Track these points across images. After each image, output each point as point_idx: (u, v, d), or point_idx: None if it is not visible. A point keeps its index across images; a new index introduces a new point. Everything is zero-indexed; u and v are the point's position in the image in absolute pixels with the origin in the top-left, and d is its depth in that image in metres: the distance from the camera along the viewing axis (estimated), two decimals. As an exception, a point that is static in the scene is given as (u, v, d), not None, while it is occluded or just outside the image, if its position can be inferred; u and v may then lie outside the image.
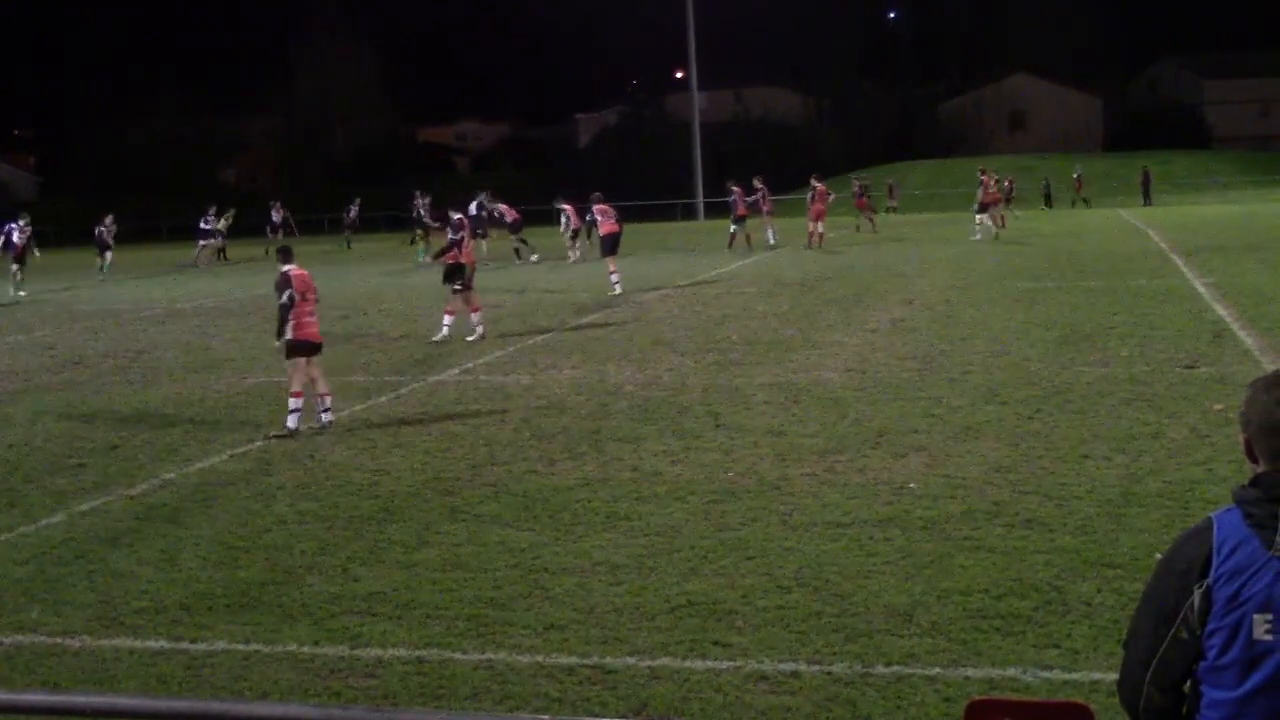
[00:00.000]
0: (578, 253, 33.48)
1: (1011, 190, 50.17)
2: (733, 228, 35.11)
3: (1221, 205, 52.19)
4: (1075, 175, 61.15)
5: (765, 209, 37.12)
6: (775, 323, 18.22)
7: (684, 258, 33.90)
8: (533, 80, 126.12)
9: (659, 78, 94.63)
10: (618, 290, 23.34)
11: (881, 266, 27.61)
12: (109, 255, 35.35)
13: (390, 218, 60.44)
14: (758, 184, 36.99)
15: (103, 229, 35.63)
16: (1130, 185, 61.54)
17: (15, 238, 31.23)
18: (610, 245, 24.61)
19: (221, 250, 42.91)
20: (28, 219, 32.40)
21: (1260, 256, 25.08)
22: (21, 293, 29.60)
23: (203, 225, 42.13)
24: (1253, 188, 64.31)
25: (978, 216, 37.23)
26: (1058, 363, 13.51)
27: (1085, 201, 58.56)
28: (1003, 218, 40.35)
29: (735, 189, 35.14)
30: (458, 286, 17.56)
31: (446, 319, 17.64)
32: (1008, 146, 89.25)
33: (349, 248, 47.02)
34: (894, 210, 61.81)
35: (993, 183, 38.38)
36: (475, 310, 17.71)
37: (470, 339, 17.31)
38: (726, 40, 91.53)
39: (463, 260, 17.67)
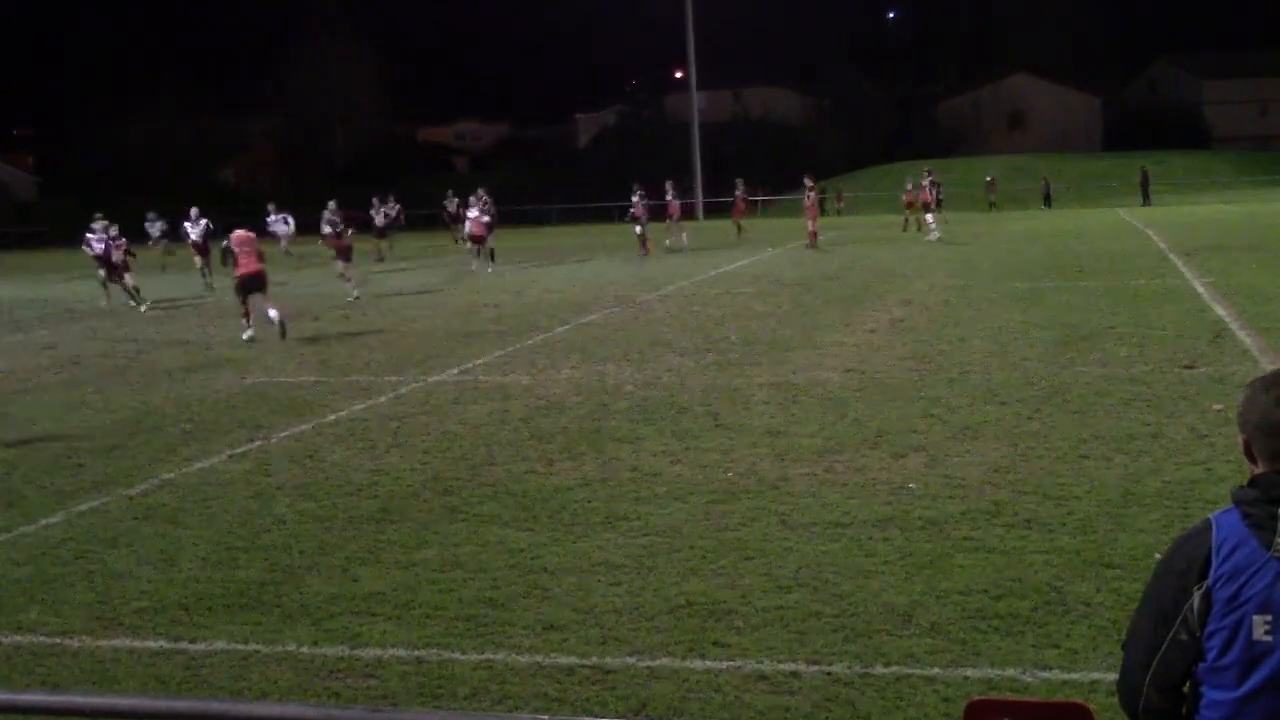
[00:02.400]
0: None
1: (939, 193, 50.75)
2: (638, 229, 35.25)
3: (1220, 205, 52.20)
4: (988, 179, 60.82)
5: (673, 213, 37.96)
6: (774, 323, 18.22)
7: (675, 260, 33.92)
8: (532, 80, 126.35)
9: (659, 78, 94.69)
10: (248, 335, 18.62)
11: (880, 267, 27.63)
12: (128, 280, 26.72)
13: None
14: (659, 189, 38.18)
15: (94, 233, 27.36)
16: (1129, 185, 61.59)
17: (197, 233, 30.81)
18: (248, 285, 18.93)
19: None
20: (156, 216, 31.67)
21: (1260, 256, 25.10)
22: (208, 297, 26.59)
23: (325, 228, 43.23)
24: (1251, 188, 64.36)
25: (928, 217, 37.71)
26: (1057, 363, 13.52)
27: (993, 205, 58.91)
28: (908, 220, 41.63)
29: (640, 193, 35.36)
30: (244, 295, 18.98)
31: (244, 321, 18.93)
32: (1007, 146, 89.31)
33: (456, 242, 47.07)
34: (840, 212, 63.03)
35: (928, 184, 38.97)
36: (273, 310, 18.86)
37: (246, 337, 18.60)
38: (726, 40, 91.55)
39: (240, 272, 19.01)
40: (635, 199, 35.88)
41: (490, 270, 31.19)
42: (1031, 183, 66.61)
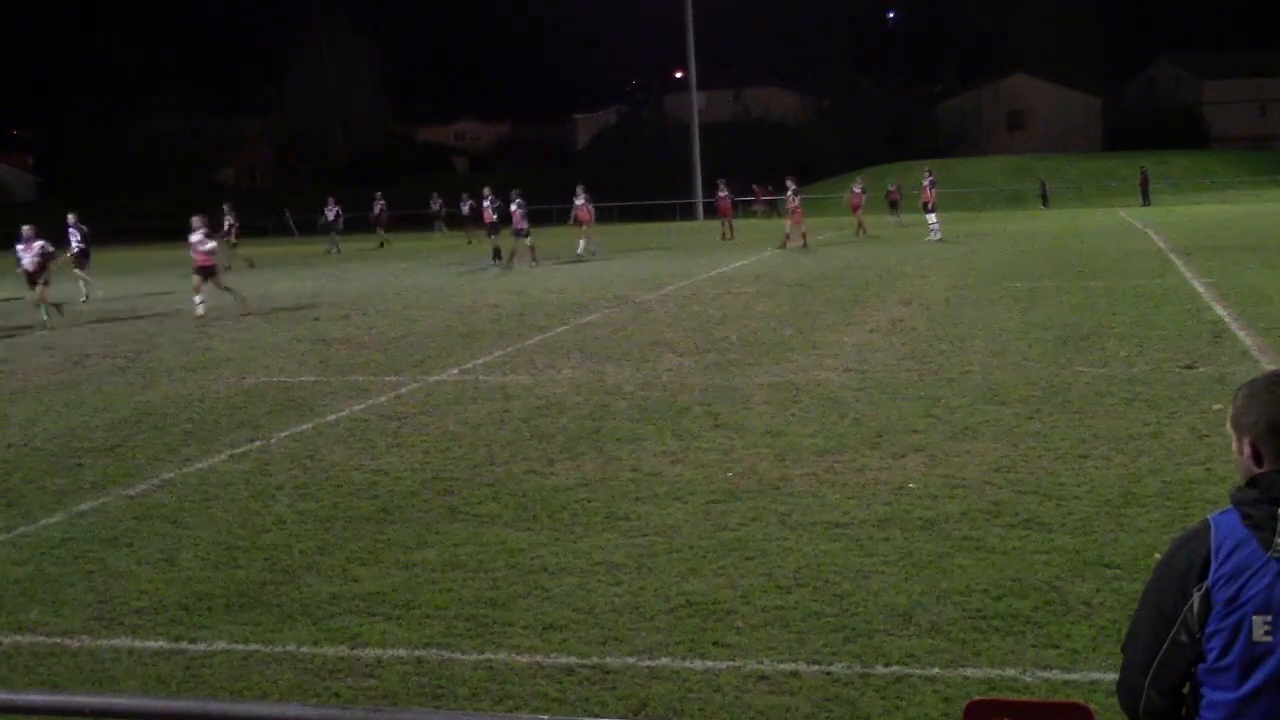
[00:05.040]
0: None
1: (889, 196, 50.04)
2: (528, 241, 32.53)
3: (1220, 205, 52.22)
4: (891, 188, 52.91)
5: (584, 219, 36.43)
6: (774, 323, 18.22)
7: (684, 258, 33.88)
8: (532, 80, 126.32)
9: (658, 78, 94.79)
10: None
11: (880, 267, 27.63)
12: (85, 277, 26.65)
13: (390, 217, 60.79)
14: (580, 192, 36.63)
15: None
16: (1129, 185, 61.61)
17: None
18: None
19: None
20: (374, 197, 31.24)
21: (1259, 256, 25.11)
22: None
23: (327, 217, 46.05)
24: (1251, 188, 64.41)
25: (930, 217, 37.58)
26: (1057, 363, 13.52)
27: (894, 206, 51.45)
28: (861, 223, 41.10)
29: (519, 200, 32.93)
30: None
31: None
32: (1006, 146, 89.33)
33: (383, 245, 47.56)
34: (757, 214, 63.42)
35: (928, 184, 38.82)
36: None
37: None
38: (726, 40, 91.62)
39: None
40: (514, 208, 32.58)
41: (203, 313, 22.14)
42: (1031, 183, 66.59)
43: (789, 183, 37.73)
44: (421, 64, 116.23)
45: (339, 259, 41.39)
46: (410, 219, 60.39)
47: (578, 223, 36.92)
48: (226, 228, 39.05)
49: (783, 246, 35.42)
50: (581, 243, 35.67)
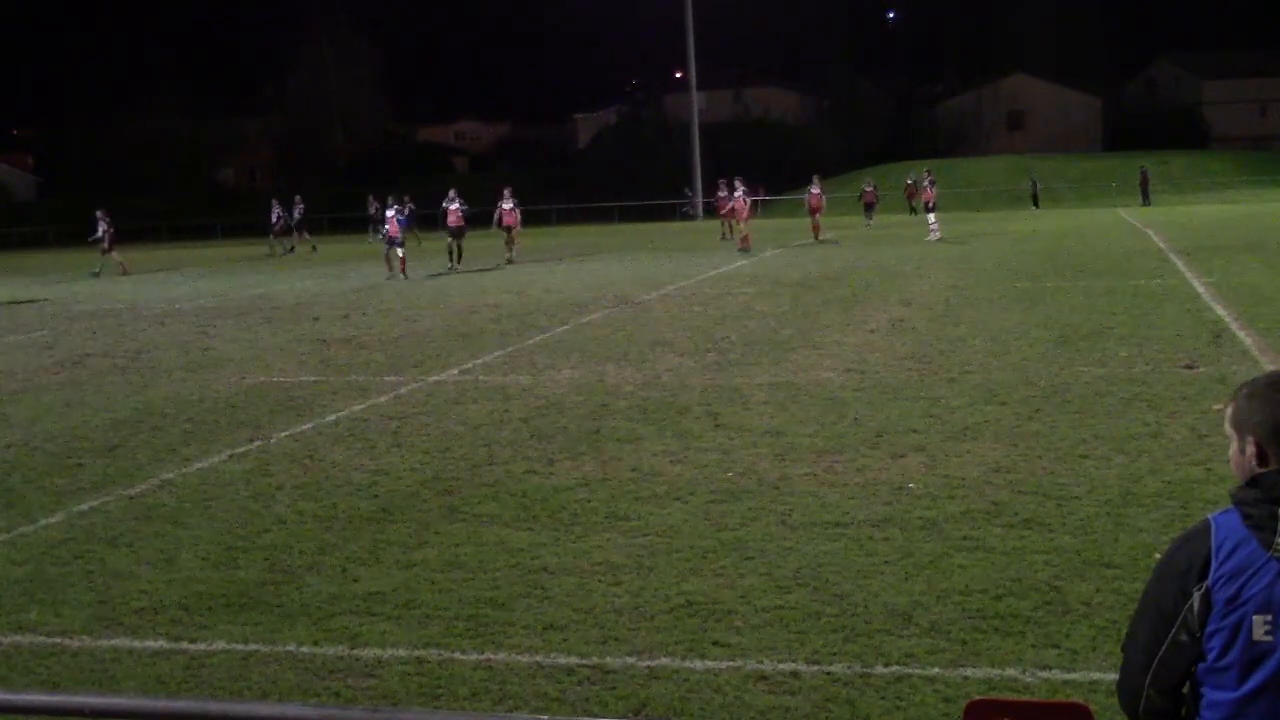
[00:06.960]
0: None
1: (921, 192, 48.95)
2: (387, 249, 30.82)
3: (1220, 205, 52.22)
4: (867, 189, 50.32)
5: (510, 223, 34.95)
6: (774, 323, 18.22)
7: (675, 260, 33.88)
8: (532, 80, 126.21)
9: (659, 78, 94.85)
10: None
11: (881, 266, 27.64)
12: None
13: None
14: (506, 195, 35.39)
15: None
16: (1129, 185, 61.57)
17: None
18: None
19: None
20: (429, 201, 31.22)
21: (1259, 256, 25.11)
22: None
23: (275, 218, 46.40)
24: (1250, 187, 64.38)
25: (930, 217, 37.45)
26: (1057, 363, 13.52)
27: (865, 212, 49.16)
28: (818, 227, 40.17)
29: (395, 206, 31.39)
30: None
31: None
32: (1006, 146, 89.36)
33: (314, 249, 46.74)
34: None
35: (928, 183, 38.48)
36: None
37: None
38: (726, 40, 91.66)
39: None
40: (390, 213, 30.94)
41: None
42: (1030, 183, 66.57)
43: (736, 182, 37.28)
44: (421, 64, 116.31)
45: (298, 260, 40.94)
46: (352, 222, 59.52)
47: (503, 227, 35.02)
48: (100, 233, 37.77)
49: (746, 247, 35.14)
50: (514, 249, 34.75)
